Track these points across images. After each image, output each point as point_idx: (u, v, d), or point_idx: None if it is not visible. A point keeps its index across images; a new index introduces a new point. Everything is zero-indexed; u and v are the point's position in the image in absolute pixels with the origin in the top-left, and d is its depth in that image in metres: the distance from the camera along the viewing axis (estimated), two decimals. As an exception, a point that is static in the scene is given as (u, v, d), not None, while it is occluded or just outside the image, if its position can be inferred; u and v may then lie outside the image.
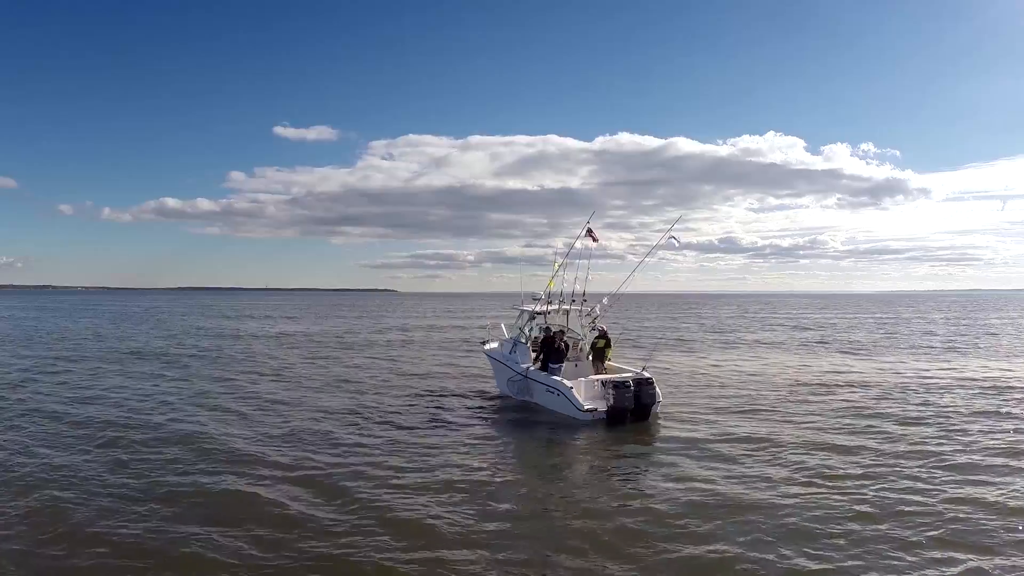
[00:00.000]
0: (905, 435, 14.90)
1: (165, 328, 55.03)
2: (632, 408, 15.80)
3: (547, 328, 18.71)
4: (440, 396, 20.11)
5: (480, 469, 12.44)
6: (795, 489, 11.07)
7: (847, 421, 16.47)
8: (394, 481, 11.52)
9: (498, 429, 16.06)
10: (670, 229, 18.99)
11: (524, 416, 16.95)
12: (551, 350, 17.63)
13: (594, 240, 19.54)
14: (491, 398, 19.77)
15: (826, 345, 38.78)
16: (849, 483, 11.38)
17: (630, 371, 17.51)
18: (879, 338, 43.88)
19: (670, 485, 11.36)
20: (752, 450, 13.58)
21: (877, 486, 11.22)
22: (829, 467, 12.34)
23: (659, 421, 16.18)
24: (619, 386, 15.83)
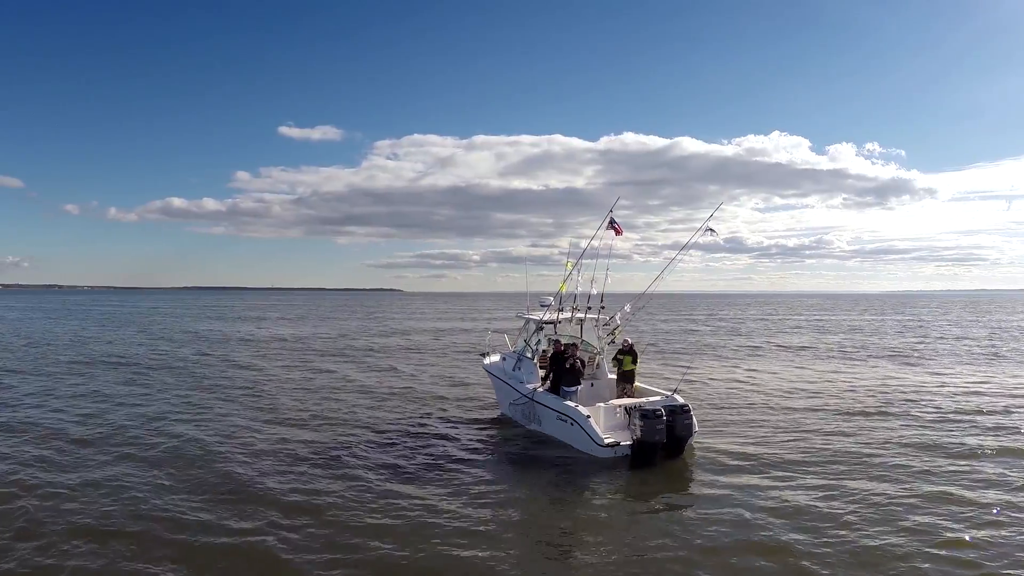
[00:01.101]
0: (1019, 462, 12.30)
1: (157, 331, 52.53)
2: (663, 442, 12.65)
3: (557, 340, 15.57)
4: (437, 418, 17.19)
5: (470, 520, 9.72)
6: (911, 545, 8.34)
7: (936, 444, 13.81)
8: (367, 527, 9.06)
9: (498, 462, 13.15)
10: (708, 219, 16.12)
11: (530, 448, 13.86)
12: (563, 368, 14.45)
13: (617, 232, 16.68)
14: (493, 422, 16.76)
15: (863, 350, 35.88)
16: (984, 532, 8.66)
17: (658, 394, 14.56)
18: (913, 342, 40.98)
19: (740, 539, 8.57)
20: (832, 492, 10.77)
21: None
22: (950, 512, 9.59)
23: (696, 455, 13.19)
24: (648, 415, 12.50)
